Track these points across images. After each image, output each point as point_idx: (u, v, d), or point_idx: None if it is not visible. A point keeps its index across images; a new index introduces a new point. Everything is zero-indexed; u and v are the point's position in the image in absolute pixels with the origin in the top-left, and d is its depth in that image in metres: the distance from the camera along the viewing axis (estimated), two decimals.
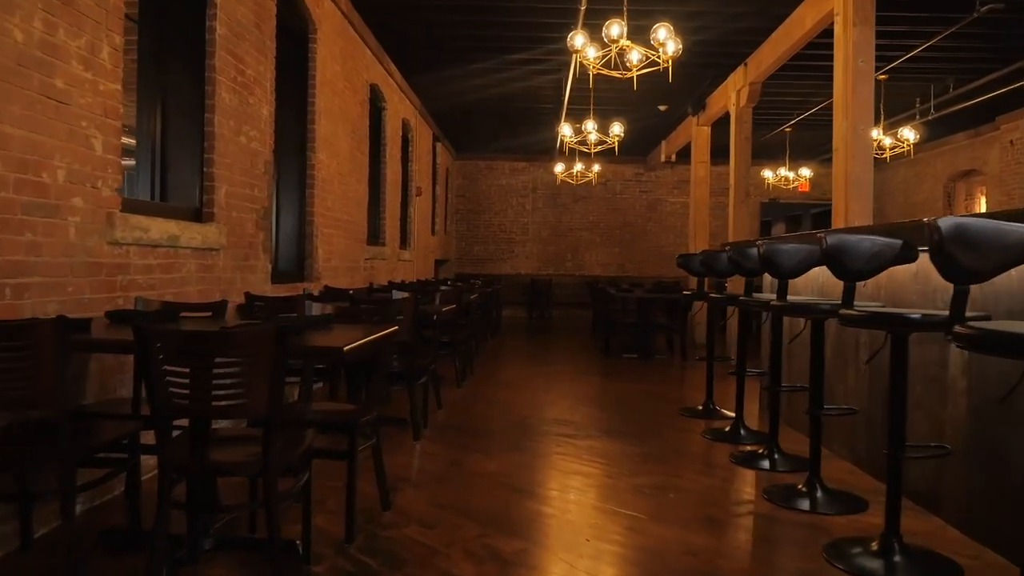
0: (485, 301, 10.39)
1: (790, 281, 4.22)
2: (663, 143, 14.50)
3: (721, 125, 11.49)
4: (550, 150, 14.79)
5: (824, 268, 3.45)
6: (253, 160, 5.18)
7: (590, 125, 9.30)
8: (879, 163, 17.00)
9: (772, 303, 3.74)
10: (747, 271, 4.49)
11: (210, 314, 3.47)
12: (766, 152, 15.14)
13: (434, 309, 5.22)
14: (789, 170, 13.50)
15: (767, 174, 13.68)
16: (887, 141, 9.97)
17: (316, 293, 5.91)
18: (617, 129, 9.37)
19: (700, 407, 6.02)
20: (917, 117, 10.61)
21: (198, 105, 4.60)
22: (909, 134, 10.15)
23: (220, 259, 4.68)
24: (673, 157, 14.57)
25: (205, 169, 4.58)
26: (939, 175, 14.39)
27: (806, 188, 16.05)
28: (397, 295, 5.76)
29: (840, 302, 3.32)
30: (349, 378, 4.60)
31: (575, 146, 9.75)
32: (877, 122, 9.97)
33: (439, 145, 14.58)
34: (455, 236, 17.10)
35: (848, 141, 5.91)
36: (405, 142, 11.28)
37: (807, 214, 20.93)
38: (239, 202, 4.95)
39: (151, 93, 4.42)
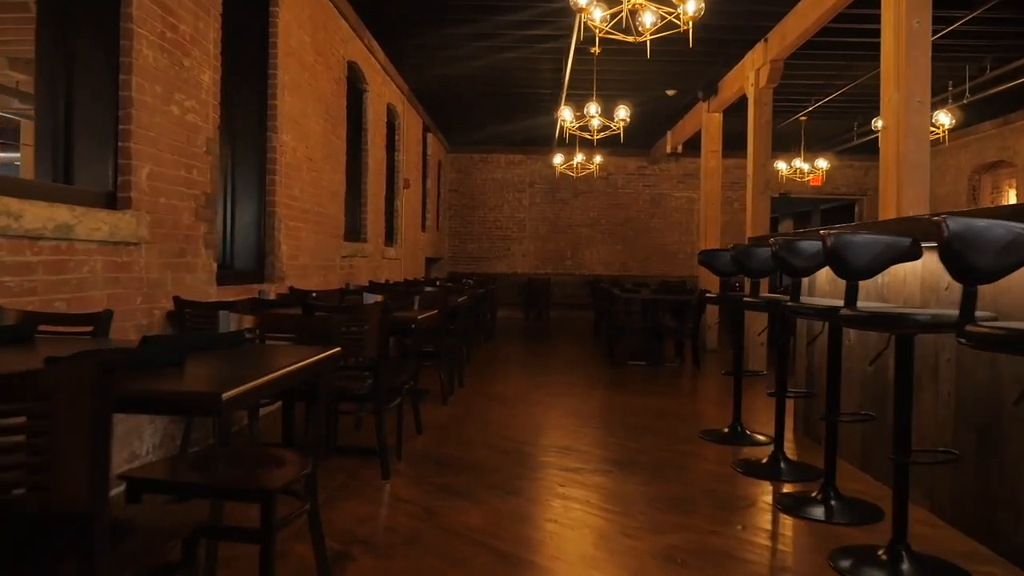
0: (477, 303, 9.49)
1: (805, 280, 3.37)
2: (669, 133, 13.60)
3: (733, 113, 10.59)
4: (548, 140, 13.89)
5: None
6: (190, 136, 4.28)
7: (593, 108, 8.40)
8: None
9: (843, 312, 2.85)
10: (797, 270, 3.59)
11: (90, 329, 2.56)
12: (778, 143, 14.21)
13: (411, 316, 4.32)
14: (804, 162, 12.60)
15: (781, 166, 12.78)
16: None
17: (273, 296, 5.01)
18: (623, 113, 8.47)
19: (726, 430, 5.13)
20: (949, 101, 9.71)
21: (115, 65, 3.69)
22: (944, 118, 9.26)
23: (141, 256, 3.77)
24: (679, 148, 13.66)
25: (120, 144, 3.67)
26: (963, 167, 13.51)
27: (818, 182, 15.17)
28: (369, 298, 4.86)
29: (949, 311, 2.46)
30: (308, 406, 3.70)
31: (576, 132, 8.85)
32: None
33: (430, 136, 13.68)
34: (448, 233, 16.20)
35: (901, 116, 5.01)
36: (391, 130, 10.37)
37: (816, 210, 20.06)
38: (170, 186, 4.04)
39: (52, 49, 3.52)
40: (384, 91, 9.55)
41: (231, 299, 4.68)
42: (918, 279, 3.67)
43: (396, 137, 10.71)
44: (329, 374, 2.47)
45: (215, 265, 4.62)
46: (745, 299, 4.35)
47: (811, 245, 3.57)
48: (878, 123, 8.71)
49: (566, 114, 8.61)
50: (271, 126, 5.70)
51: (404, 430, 4.49)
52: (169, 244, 4.04)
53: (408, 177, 11.07)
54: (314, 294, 5.12)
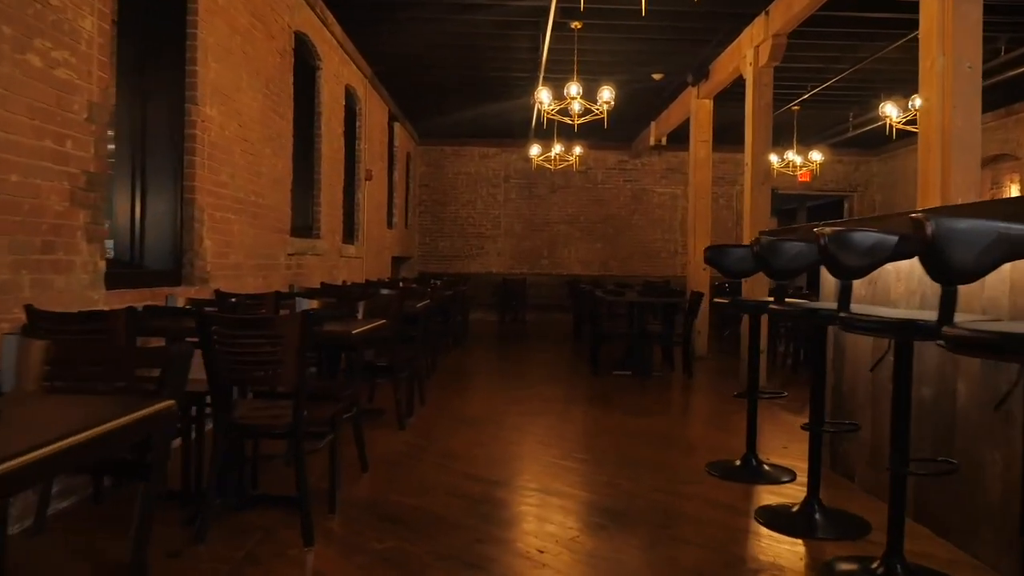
0: (444, 306, 8.57)
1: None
2: (652, 125, 12.75)
3: (721, 101, 9.77)
4: (524, 131, 12.98)
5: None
6: (62, 98, 3.31)
7: (574, 89, 7.51)
8: (889, 148, 15.46)
9: (948, 331, 1.95)
10: (851, 270, 2.72)
11: None
12: (782, 134, 13.44)
13: (348, 328, 3.38)
14: (797, 154, 11.81)
15: (772, 159, 11.97)
16: None
17: (182, 303, 4.04)
18: (607, 95, 7.59)
19: (738, 462, 4.25)
20: None
21: None
22: None
23: None
24: (663, 141, 12.83)
25: None
26: None
27: (807, 178, 14.38)
28: (302, 304, 3.93)
29: None
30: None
31: (555, 117, 7.95)
32: (911, 91, 8.30)
33: (397, 126, 12.72)
34: (418, 230, 15.24)
35: (947, 86, 4.17)
36: (351, 116, 9.41)
37: (802, 207, 19.33)
38: (26, 160, 3.08)
39: None
40: (342, 71, 8.59)
41: (127, 305, 3.73)
42: (1004, 283, 2.82)
43: (357, 124, 9.75)
44: (163, 441, 1.54)
45: (103, 263, 3.66)
46: (773, 307, 3.47)
47: (869, 237, 2.71)
48: (916, 101, 7.89)
49: (544, 96, 7.72)
50: (191, 96, 4.73)
51: (343, 470, 3.57)
52: (24, 236, 3.08)
53: (371, 168, 10.11)
54: (233, 299, 4.18)
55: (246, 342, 2.85)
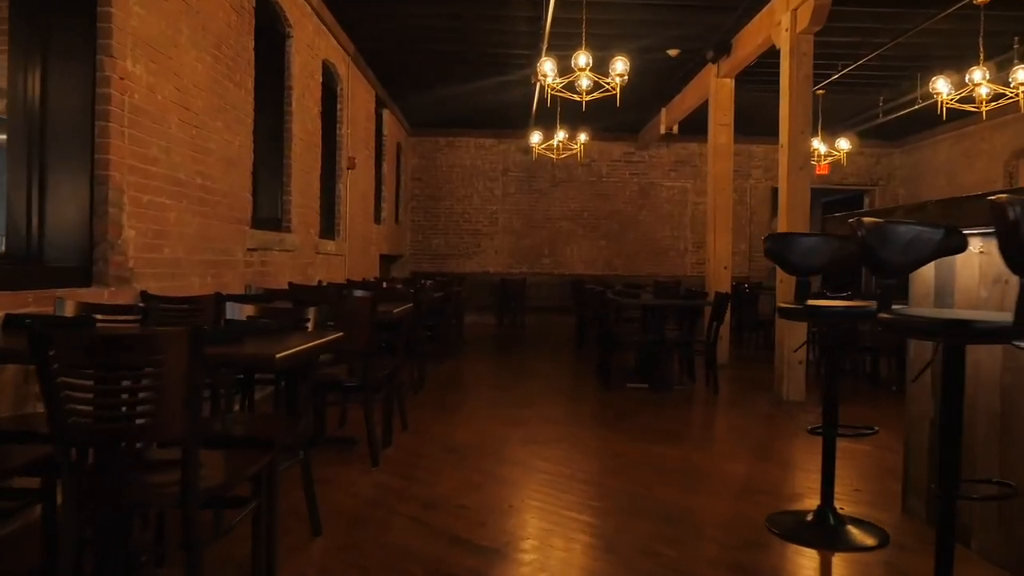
0: (436, 310, 7.59)
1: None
2: (663, 111, 11.75)
3: (747, 81, 8.79)
4: (523, 120, 11.97)
5: None
6: None
7: (582, 59, 6.51)
8: (913, 139, 14.44)
9: None
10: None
11: None
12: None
13: (272, 352, 2.36)
14: (823, 142, 10.81)
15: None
16: (984, 91, 7.27)
17: (70, 312, 3.03)
18: (620, 66, 6.58)
19: (809, 517, 3.25)
20: (1015, 60, 7.94)
21: None
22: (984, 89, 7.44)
23: None
24: (675, 129, 11.83)
25: None
26: (997, 151, 11.82)
27: (825, 171, 13.35)
28: (233, 310, 2.93)
29: None
30: None
31: (560, 93, 6.94)
32: (966, 64, 7.30)
33: (386, 113, 11.71)
34: (409, 227, 14.23)
35: None
36: (331, 96, 8.41)
37: (817, 203, 18.27)
38: None
39: None
40: (319, 43, 7.58)
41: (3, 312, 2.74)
42: None
43: (339, 107, 8.74)
44: None
45: None
46: (883, 316, 2.45)
47: None
48: (975, 74, 6.86)
49: (547, 68, 6.70)
50: (104, 47, 3.72)
51: (286, 535, 2.58)
52: None
53: (354, 156, 9.10)
54: (162, 303, 3.18)
55: (105, 375, 1.85)
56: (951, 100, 7.31)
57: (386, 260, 12.23)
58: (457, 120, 13.51)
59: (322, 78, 7.76)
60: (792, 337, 6.44)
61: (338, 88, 8.71)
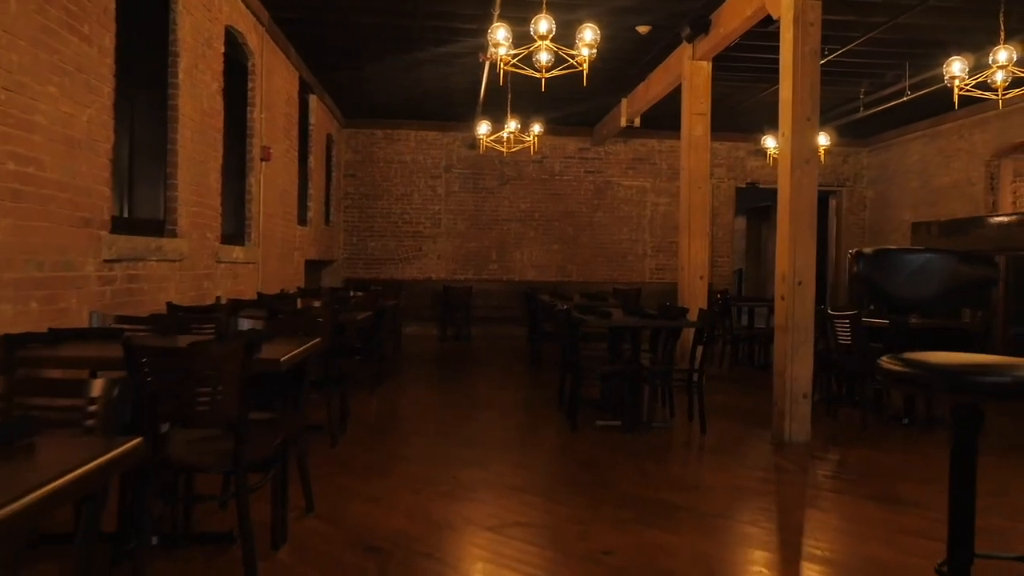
0: (367, 328, 6.28)
1: None
2: (623, 101, 10.61)
3: (725, 67, 7.69)
4: (469, 109, 10.70)
5: None
6: None
7: (543, 26, 5.28)
8: (882, 137, 13.57)
9: None
10: None
11: None
12: (749, 119, 11.49)
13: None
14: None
15: (770, 143, 9.96)
16: (998, 76, 6.28)
17: None
18: (589, 36, 5.37)
19: None
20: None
21: None
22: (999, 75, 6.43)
23: None
24: (636, 122, 10.71)
25: None
26: (978, 150, 11.01)
27: None
28: None
29: None
30: None
31: (516, 68, 5.69)
32: (950, 53, 6.30)
33: (315, 100, 10.30)
34: (342, 228, 12.81)
35: None
36: (238, 71, 7.00)
37: (775, 204, 17.41)
38: None
39: None
40: (220, 4, 6.17)
41: None
42: None
43: (250, 85, 7.34)
44: None
45: None
46: None
47: None
48: (1001, 54, 5.84)
49: (500, 36, 5.45)
50: None
51: None
52: None
53: (270, 146, 7.71)
54: None
55: None
56: (965, 86, 6.30)
57: (314, 267, 10.81)
58: (396, 110, 12.16)
59: (225, 48, 6.35)
60: (795, 367, 5.33)
61: (249, 63, 7.30)
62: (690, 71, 7.60)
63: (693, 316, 6.43)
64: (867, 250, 2.18)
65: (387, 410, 6.39)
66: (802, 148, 5.35)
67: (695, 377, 5.72)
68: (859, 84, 9.75)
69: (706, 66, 7.56)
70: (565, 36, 5.49)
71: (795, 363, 5.34)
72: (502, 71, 5.72)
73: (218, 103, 6.18)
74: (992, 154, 10.79)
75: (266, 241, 7.72)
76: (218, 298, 5.92)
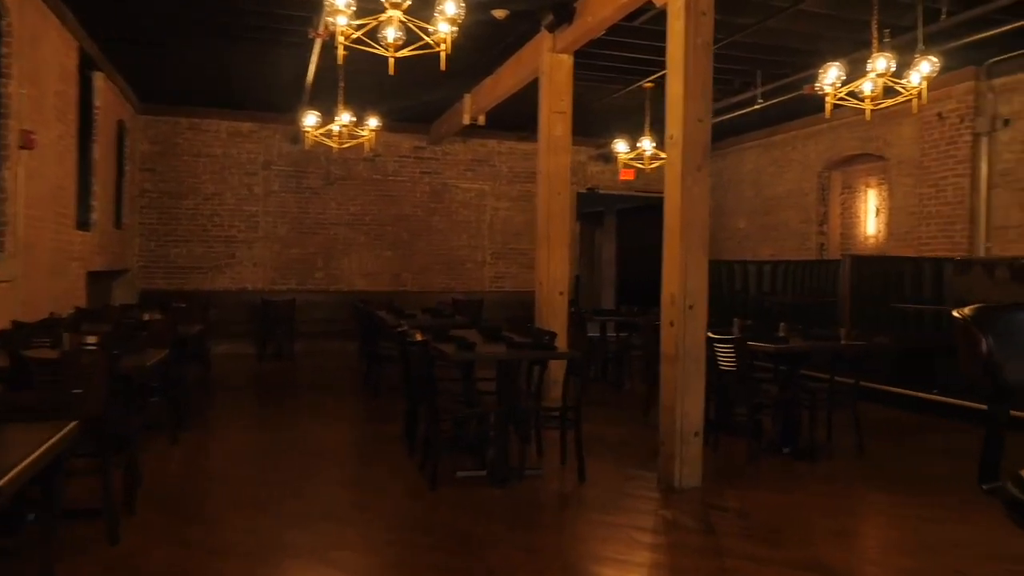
0: (164, 365, 4.94)
1: None
2: (467, 97, 9.70)
3: (578, 64, 6.98)
4: (293, 98, 9.34)
5: None
6: None
7: None
8: (719, 145, 13.44)
9: None
10: None
11: None
12: (595, 122, 11.02)
13: None
14: (652, 141, 9.33)
15: (620, 148, 9.42)
16: (866, 87, 6.00)
17: None
18: (452, 8, 4.41)
19: None
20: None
21: None
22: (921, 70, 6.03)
23: None
24: (481, 119, 9.85)
25: None
26: (810, 161, 11.18)
27: (630, 176, 12.08)
28: None
29: None
30: None
31: (356, 46, 4.61)
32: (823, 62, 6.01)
33: (101, 79, 8.55)
34: (139, 232, 10.95)
35: None
36: None
37: (610, 210, 17.28)
38: None
39: None
40: None
41: None
42: None
43: (4, 51, 5.70)
44: None
45: None
46: None
47: None
48: (879, 63, 5.40)
49: (339, 1, 4.34)
50: None
51: None
52: None
53: (33, 131, 6.07)
54: None
55: None
56: (837, 94, 5.96)
57: (101, 279, 9.02)
58: (204, 96, 10.54)
59: None
60: (686, 403, 4.66)
61: (3, 23, 5.66)
62: (550, 65, 6.83)
63: (560, 339, 5.65)
64: (988, 309, 1.39)
65: (192, 470, 5.07)
66: (694, 153, 4.68)
67: (570, 415, 4.93)
68: (720, 85, 9.47)
69: (568, 60, 6.83)
70: (420, 11, 4.50)
71: (686, 398, 4.67)
72: (341, 47, 4.61)
73: None
74: (824, 166, 10.98)
75: (29, 251, 6.07)
76: None
